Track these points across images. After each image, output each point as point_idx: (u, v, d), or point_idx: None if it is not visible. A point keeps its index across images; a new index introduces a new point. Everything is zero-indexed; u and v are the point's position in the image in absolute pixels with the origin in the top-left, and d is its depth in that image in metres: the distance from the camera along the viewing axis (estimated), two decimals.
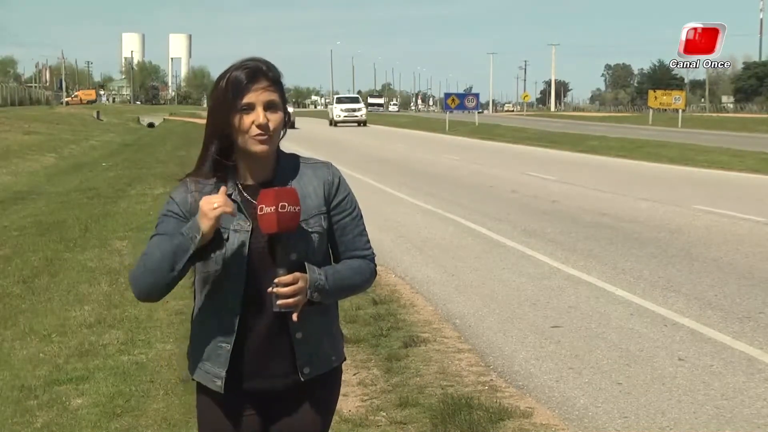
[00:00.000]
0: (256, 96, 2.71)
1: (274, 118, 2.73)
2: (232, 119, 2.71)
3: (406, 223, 14.27)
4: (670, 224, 13.84)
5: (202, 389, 2.88)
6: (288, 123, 2.83)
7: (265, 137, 2.72)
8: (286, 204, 2.64)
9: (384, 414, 5.57)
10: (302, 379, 2.80)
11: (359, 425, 5.39)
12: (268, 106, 2.72)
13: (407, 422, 5.43)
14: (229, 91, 2.71)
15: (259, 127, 2.70)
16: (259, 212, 2.66)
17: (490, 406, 5.62)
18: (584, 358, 6.81)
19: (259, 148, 2.72)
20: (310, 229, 2.78)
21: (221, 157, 2.77)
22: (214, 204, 2.63)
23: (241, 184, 2.78)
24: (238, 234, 2.74)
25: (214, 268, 2.75)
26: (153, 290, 2.75)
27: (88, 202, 16.86)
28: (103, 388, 5.96)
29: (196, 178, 2.80)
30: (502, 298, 8.90)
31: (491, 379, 6.33)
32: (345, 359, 2.98)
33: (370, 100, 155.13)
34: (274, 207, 2.63)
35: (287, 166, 2.83)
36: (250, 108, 2.71)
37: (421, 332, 7.48)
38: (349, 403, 5.74)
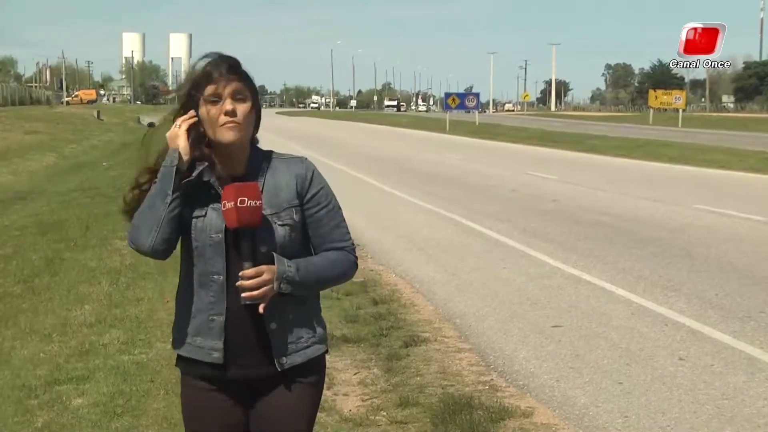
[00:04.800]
0: (223, 87, 2.77)
1: (242, 108, 2.78)
2: (201, 112, 2.78)
3: (406, 222, 14.26)
4: (671, 223, 13.85)
5: (185, 378, 2.92)
6: (259, 118, 2.87)
7: (234, 125, 2.76)
8: (246, 198, 2.69)
9: (384, 414, 5.56)
10: (279, 369, 2.83)
11: (359, 425, 5.39)
12: (236, 96, 2.78)
13: (408, 422, 5.43)
14: (197, 83, 2.79)
15: (226, 114, 2.75)
16: (222, 208, 2.72)
17: (490, 406, 5.62)
18: (585, 358, 6.81)
19: (228, 135, 2.77)
20: (280, 222, 2.82)
21: (199, 158, 2.82)
22: (177, 123, 2.78)
23: (217, 177, 2.83)
24: (216, 212, 2.80)
25: (195, 244, 2.82)
26: (151, 230, 2.79)
27: (89, 201, 16.87)
28: (104, 388, 5.95)
29: None
30: (503, 297, 8.90)
31: (492, 379, 6.33)
32: (327, 351, 2.99)
33: (387, 102, 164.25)
34: (234, 202, 2.69)
35: (260, 161, 2.87)
36: (218, 98, 2.76)
37: (421, 332, 7.48)
38: (349, 402, 5.73)
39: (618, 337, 7.36)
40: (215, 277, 2.81)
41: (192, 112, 2.79)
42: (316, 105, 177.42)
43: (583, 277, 9.75)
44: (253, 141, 2.88)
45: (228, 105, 2.75)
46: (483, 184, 20.55)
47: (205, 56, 2.84)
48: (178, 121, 2.79)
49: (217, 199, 2.79)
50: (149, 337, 7.18)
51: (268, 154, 2.91)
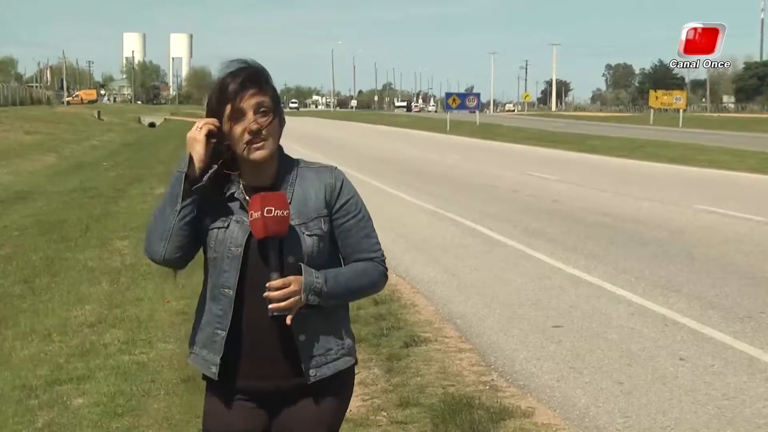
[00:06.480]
0: (246, 102, 2.69)
1: (267, 122, 2.71)
2: (225, 128, 2.71)
3: (406, 222, 14.26)
4: (671, 224, 13.85)
5: (210, 387, 2.88)
6: (283, 124, 2.80)
7: (260, 143, 2.70)
8: (273, 208, 2.63)
9: (385, 414, 5.57)
10: (308, 381, 2.79)
11: (360, 425, 5.39)
12: (259, 111, 2.70)
13: (408, 422, 5.43)
14: (219, 99, 2.71)
15: (250, 133, 2.68)
16: (249, 218, 2.67)
17: (491, 406, 5.62)
18: (585, 358, 6.80)
19: (256, 155, 2.71)
20: (309, 233, 2.76)
21: (225, 167, 2.76)
22: (198, 126, 2.69)
23: (244, 185, 2.78)
24: (239, 224, 2.75)
25: (213, 255, 2.78)
26: (162, 238, 2.74)
27: (89, 201, 16.87)
28: (104, 388, 5.95)
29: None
30: (503, 297, 8.90)
31: (492, 379, 6.33)
32: (356, 362, 2.95)
33: (397, 103, 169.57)
34: (261, 212, 2.63)
35: (289, 169, 2.82)
36: (241, 114, 2.69)
37: (422, 332, 7.48)
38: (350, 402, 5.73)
39: (618, 337, 7.35)
40: (226, 290, 2.76)
41: (214, 120, 2.71)
42: (296, 105, 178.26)
43: (584, 277, 9.75)
44: (280, 149, 2.81)
45: (253, 124, 2.68)
46: (483, 185, 20.55)
47: (229, 70, 2.74)
48: (200, 123, 2.70)
49: (242, 211, 2.74)
50: (150, 337, 7.18)
51: (297, 163, 2.85)
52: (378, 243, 2.90)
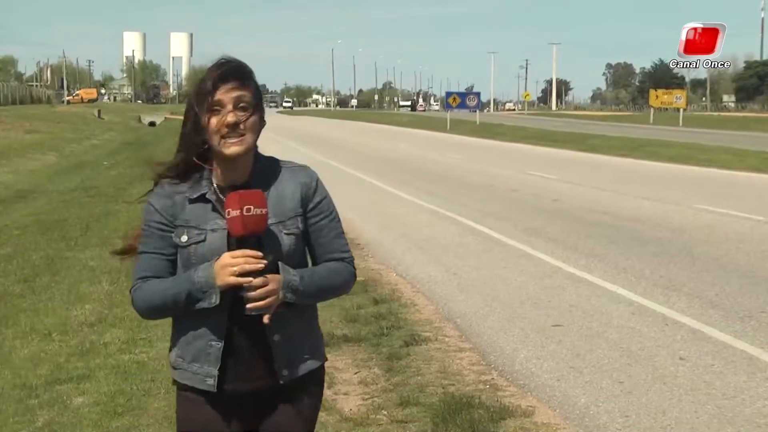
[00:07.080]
0: (225, 94, 2.65)
1: (245, 117, 2.66)
2: (203, 121, 2.66)
3: (407, 222, 14.26)
4: (672, 223, 13.85)
5: (183, 395, 2.85)
6: (263, 124, 2.76)
7: (237, 138, 2.65)
8: (252, 207, 2.59)
9: (385, 413, 5.56)
10: (281, 381, 2.77)
11: (360, 424, 5.39)
12: (239, 105, 2.66)
13: (408, 421, 5.43)
14: (199, 93, 2.67)
15: (228, 126, 2.64)
16: (226, 216, 2.62)
17: (491, 405, 5.62)
18: (585, 357, 6.81)
19: (230, 150, 2.65)
20: (286, 231, 2.74)
21: (199, 160, 2.72)
22: (234, 271, 2.61)
23: (217, 185, 2.74)
24: (215, 233, 2.70)
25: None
26: (160, 318, 2.86)
27: (90, 200, 16.88)
28: (104, 387, 5.96)
29: (172, 180, 2.76)
30: (504, 297, 8.90)
31: (492, 378, 6.33)
32: (326, 360, 2.94)
33: (401, 103, 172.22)
34: (239, 210, 2.59)
35: (264, 168, 2.78)
36: (220, 106, 2.65)
37: (422, 331, 7.48)
38: (350, 401, 5.73)
39: (618, 336, 7.35)
40: (219, 302, 2.70)
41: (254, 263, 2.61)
42: (290, 104, 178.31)
43: (584, 276, 9.75)
44: (255, 148, 2.77)
45: (230, 117, 2.63)
46: (484, 184, 20.55)
47: (212, 64, 2.72)
48: (235, 266, 2.60)
49: (215, 214, 2.70)
50: (150, 336, 7.18)
51: (272, 162, 2.82)
52: (347, 244, 2.89)
